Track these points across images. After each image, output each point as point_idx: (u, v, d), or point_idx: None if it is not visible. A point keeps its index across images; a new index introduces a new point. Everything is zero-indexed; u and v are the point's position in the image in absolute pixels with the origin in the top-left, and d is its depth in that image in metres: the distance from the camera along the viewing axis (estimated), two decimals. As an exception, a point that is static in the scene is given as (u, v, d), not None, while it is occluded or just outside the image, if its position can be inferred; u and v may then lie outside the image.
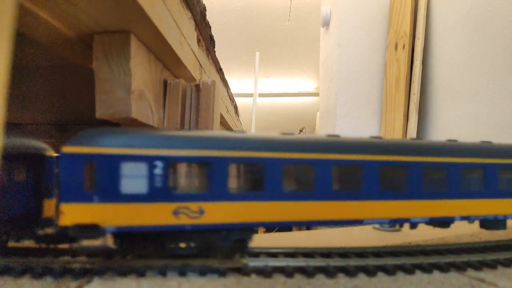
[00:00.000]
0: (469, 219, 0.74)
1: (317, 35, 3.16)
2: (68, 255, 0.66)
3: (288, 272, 0.60)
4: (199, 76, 1.16)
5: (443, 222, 0.74)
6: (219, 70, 1.64)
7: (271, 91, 4.99)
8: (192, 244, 0.60)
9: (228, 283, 0.56)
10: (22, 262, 0.59)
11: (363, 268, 0.62)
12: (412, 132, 2.13)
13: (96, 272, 0.57)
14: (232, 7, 4.09)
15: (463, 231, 1.01)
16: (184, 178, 0.60)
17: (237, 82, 4.39)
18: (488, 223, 0.77)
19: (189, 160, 0.59)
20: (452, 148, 0.75)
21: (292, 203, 0.63)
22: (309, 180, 0.64)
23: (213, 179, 0.59)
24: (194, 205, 0.58)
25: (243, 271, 0.60)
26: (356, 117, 2.57)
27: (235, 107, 2.31)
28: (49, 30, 0.70)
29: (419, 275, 0.62)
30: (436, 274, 0.63)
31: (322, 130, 3.09)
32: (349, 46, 2.58)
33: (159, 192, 0.56)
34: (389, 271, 0.62)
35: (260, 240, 0.94)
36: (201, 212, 0.58)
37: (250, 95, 3.85)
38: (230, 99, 2.06)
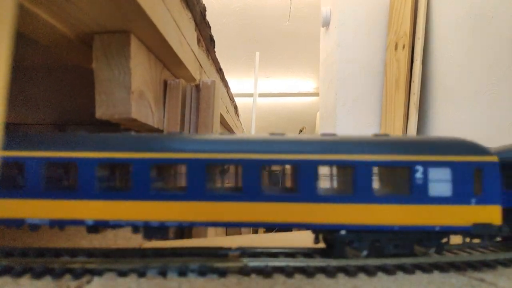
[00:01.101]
0: (135, 224, 0.62)
1: (317, 35, 3.16)
2: (68, 255, 0.66)
3: (288, 272, 0.60)
4: (199, 76, 1.16)
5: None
6: (219, 70, 1.64)
7: (271, 91, 4.99)
8: None
9: (228, 283, 0.56)
10: (22, 262, 0.59)
11: (363, 268, 0.62)
12: (412, 132, 2.13)
13: (96, 272, 0.58)
14: (232, 7, 4.09)
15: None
16: None
17: (237, 82, 4.39)
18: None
19: None
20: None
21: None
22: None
23: None
24: None
25: (243, 271, 0.60)
26: (356, 117, 2.57)
27: (235, 107, 2.31)
28: (49, 30, 0.70)
29: (419, 275, 0.62)
30: (436, 274, 0.62)
31: (322, 130, 3.09)
32: (349, 46, 2.58)
33: None
34: (389, 271, 0.62)
35: (260, 240, 0.94)
36: None
37: (250, 95, 3.85)
38: (230, 99, 2.06)
